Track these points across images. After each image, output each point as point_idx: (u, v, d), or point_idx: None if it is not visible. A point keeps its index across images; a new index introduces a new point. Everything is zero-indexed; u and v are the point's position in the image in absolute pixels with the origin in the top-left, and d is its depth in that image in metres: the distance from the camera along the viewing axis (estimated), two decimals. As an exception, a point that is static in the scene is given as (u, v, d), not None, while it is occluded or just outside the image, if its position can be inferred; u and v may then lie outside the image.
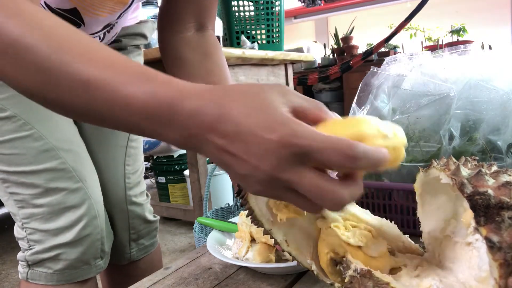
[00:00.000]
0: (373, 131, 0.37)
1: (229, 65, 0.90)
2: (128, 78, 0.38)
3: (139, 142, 1.01)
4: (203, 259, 0.70)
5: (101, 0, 0.71)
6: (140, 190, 0.99)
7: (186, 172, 2.29)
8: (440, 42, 3.62)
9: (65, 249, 0.79)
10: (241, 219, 0.68)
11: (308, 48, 4.82)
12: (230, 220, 0.78)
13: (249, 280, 0.61)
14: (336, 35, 4.64)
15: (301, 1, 4.23)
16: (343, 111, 4.64)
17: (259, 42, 2.22)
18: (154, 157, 2.54)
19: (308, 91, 4.80)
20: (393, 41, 4.10)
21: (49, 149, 0.76)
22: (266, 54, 2.09)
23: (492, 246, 0.33)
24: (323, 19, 5.65)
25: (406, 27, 3.51)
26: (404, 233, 0.50)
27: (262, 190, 0.37)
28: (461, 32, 3.55)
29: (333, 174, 0.45)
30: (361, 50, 4.42)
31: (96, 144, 0.92)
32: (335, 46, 4.74)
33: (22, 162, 0.75)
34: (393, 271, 0.47)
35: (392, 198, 0.70)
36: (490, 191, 0.35)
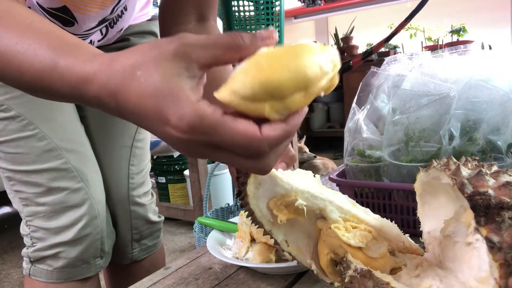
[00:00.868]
0: (316, 71, 0.33)
1: (229, 65, 0.90)
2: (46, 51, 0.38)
3: (145, 142, 1.00)
4: (203, 259, 0.70)
5: None
6: (144, 191, 0.99)
7: (186, 172, 2.29)
8: (440, 42, 3.61)
9: (65, 247, 0.79)
10: (241, 219, 0.68)
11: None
12: (230, 220, 0.78)
13: (249, 280, 0.61)
14: (336, 35, 4.64)
15: (301, 1, 4.23)
16: (343, 111, 4.65)
17: (259, 42, 2.21)
18: (154, 157, 2.54)
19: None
20: (393, 41, 4.10)
21: (52, 149, 0.77)
22: (266, 54, 2.08)
23: (492, 246, 0.33)
24: (323, 19, 5.65)
25: (406, 27, 3.51)
26: (404, 233, 0.50)
27: (187, 152, 0.36)
28: (461, 32, 3.55)
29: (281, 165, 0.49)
30: (361, 50, 4.43)
31: (101, 144, 0.92)
32: (335, 46, 4.74)
33: (26, 161, 0.76)
34: (393, 271, 0.47)
35: (392, 198, 0.70)
36: (490, 191, 0.35)
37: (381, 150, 0.71)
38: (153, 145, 2.39)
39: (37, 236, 0.79)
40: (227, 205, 1.14)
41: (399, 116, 0.68)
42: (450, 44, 3.53)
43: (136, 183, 0.97)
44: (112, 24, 0.82)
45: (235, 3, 2.09)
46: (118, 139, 0.94)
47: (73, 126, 0.83)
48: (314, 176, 0.52)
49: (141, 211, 0.97)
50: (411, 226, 0.69)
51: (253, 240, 0.65)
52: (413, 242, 0.50)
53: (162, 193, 2.57)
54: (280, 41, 2.28)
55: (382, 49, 4.02)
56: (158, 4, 0.77)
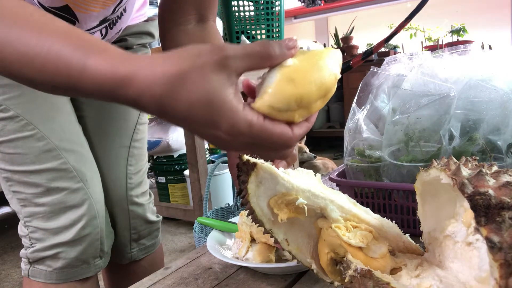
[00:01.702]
0: (332, 80, 0.41)
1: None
2: (83, 51, 0.39)
3: (143, 142, 1.00)
4: (203, 259, 0.70)
5: None
6: (142, 190, 0.99)
7: (186, 172, 2.29)
8: (440, 42, 3.62)
9: (65, 248, 0.79)
10: (241, 219, 0.68)
11: (308, 48, 4.81)
12: (230, 220, 0.77)
13: (249, 280, 0.61)
14: (336, 35, 4.64)
15: (301, 1, 4.23)
16: (343, 111, 4.65)
17: (259, 42, 2.21)
18: (154, 157, 2.54)
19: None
20: (393, 41, 4.10)
21: (51, 149, 0.77)
22: (266, 54, 2.08)
23: (492, 247, 0.33)
24: (323, 19, 5.65)
25: (406, 27, 3.51)
26: (404, 233, 0.50)
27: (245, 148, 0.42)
28: (461, 32, 3.55)
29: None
30: (361, 50, 4.42)
31: (99, 144, 0.92)
32: (335, 46, 4.74)
33: (24, 161, 0.75)
34: (394, 271, 0.47)
35: (392, 198, 0.70)
36: (490, 191, 0.35)
37: (381, 150, 0.71)
38: (153, 145, 2.39)
39: (36, 236, 0.79)
40: (227, 205, 1.14)
41: (399, 116, 0.68)
42: (450, 44, 3.53)
43: (134, 183, 0.97)
44: (111, 25, 0.82)
45: (235, 3, 2.09)
46: (116, 139, 0.94)
47: (72, 126, 0.83)
48: (315, 175, 0.52)
49: (139, 211, 0.97)
50: (411, 226, 0.69)
51: (253, 240, 0.65)
52: (413, 242, 0.50)
53: (162, 193, 2.57)
54: (280, 41, 2.27)
55: (382, 49, 4.02)
56: (158, 5, 0.77)
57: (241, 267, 0.65)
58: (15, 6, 0.42)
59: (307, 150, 3.01)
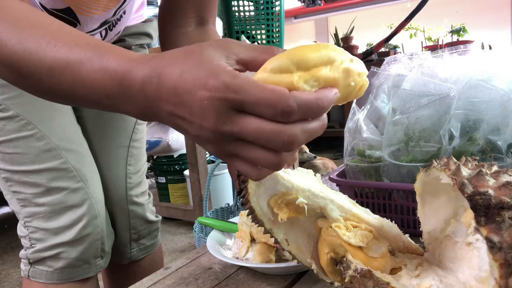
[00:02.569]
0: (336, 54, 0.36)
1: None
2: (85, 56, 0.40)
3: (141, 142, 1.01)
4: (203, 259, 0.70)
5: None
6: (142, 190, 0.99)
7: (186, 172, 2.29)
8: (440, 42, 3.62)
9: (66, 248, 0.79)
10: (241, 219, 0.68)
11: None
12: (230, 220, 0.77)
13: (249, 280, 0.61)
14: (336, 35, 4.64)
15: (301, 1, 4.23)
16: (343, 111, 4.65)
17: (259, 42, 2.21)
18: (154, 157, 2.54)
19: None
20: (393, 41, 4.10)
21: (51, 148, 0.77)
22: (266, 54, 2.08)
23: (492, 246, 0.33)
24: (323, 19, 5.64)
25: (406, 27, 3.51)
26: (404, 233, 0.50)
27: (215, 149, 0.37)
28: (461, 32, 3.55)
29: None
30: (361, 50, 4.42)
31: (98, 144, 0.92)
32: (335, 46, 4.72)
33: (24, 161, 0.75)
34: (393, 271, 0.47)
35: (392, 198, 0.70)
36: (490, 191, 0.35)
37: (381, 150, 0.71)
38: (153, 145, 2.39)
39: (36, 237, 0.79)
40: (227, 205, 1.14)
41: (399, 116, 0.68)
42: (450, 44, 3.53)
43: (133, 183, 0.97)
44: (111, 27, 0.82)
45: (235, 3, 2.09)
46: (115, 139, 0.94)
47: (71, 126, 0.83)
48: (315, 175, 0.52)
49: (139, 211, 0.97)
50: (411, 226, 0.69)
51: (253, 240, 0.65)
52: (413, 242, 0.50)
53: (162, 193, 2.57)
54: (280, 41, 2.28)
55: (382, 49, 4.02)
56: (157, 5, 0.77)
57: (241, 267, 0.65)
58: (27, 8, 0.44)
59: (307, 150, 3.01)
